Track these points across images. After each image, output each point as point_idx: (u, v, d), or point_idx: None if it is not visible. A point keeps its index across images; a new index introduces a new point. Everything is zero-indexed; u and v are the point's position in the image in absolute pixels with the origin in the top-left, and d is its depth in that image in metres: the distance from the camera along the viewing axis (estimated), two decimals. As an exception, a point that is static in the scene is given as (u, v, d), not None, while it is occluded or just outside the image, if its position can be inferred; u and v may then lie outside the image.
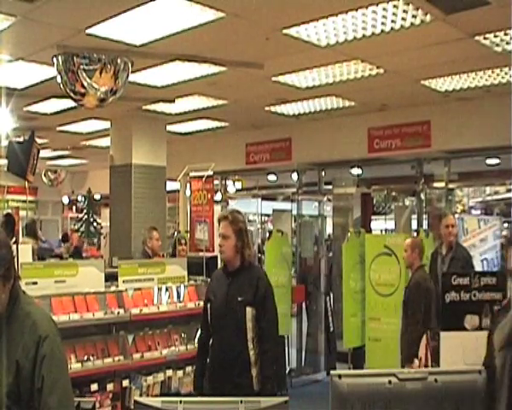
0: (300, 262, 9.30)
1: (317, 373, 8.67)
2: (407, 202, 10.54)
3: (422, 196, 8.42)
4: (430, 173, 8.47)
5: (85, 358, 4.64)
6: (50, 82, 6.57)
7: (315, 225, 9.69)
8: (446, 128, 7.72)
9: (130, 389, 4.90)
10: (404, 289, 5.88)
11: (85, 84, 5.52)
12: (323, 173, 9.52)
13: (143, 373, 5.00)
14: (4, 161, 9.27)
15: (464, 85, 6.92)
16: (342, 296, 7.62)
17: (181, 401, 1.88)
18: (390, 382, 2.02)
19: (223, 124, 9.51)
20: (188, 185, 8.90)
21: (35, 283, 4.54)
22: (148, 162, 9.02)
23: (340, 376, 2.05)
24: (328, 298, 8.81)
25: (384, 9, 4.64)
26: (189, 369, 5.22)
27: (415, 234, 7.81)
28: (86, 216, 15.47)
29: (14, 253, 2.24)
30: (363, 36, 5.22)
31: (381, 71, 6.36)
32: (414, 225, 8.44)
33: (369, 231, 10.48)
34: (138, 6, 4.63)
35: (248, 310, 3.67)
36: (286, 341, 8.05)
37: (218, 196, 10.29)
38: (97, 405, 4.51)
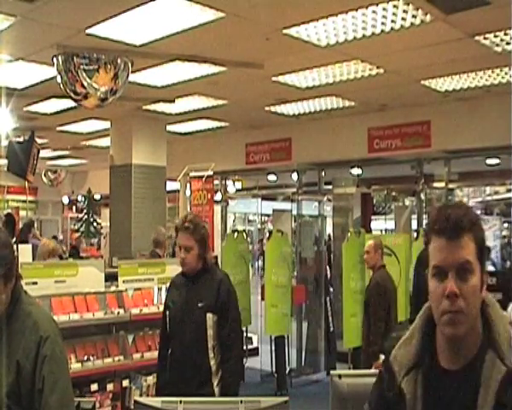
0: (300, 262, 9.29)
1: (317, 373, 8.67)
2: (407, 202, 10.54)
3: (422, 196, 8.41)
4: (430, 173, 8.46)
5: (85, 358, 4.64)
6: (50, 82, 6.56)
7: (315, 225, 9.69)
8: (446, 128, 7.71)
9: (131, 389, 4.90)
10: (365, 290, 6.03)
11: (85, 84, 5.52)
12: (323, 173, 9.52)
13: (143, 373, 4.99)
14: (4, 161, 9.28)
15: (464, 85, 6.91)
16: (342, 296, 7.62)
17: (181, 401, 1.88)
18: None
19: (223, 124, 9.50)
20: (188, 185, 8.90)
21: (35, 283, 4.52)
22: (148, 162, 9.01)
23: (340, 376, 2.06)
24: (328, 298, 8.82)
25: (384, 9, 4.64)
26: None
27: (415, 234, 7.83)
28: (86, 216, 15.44)
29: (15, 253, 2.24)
30: (363, 36, 5.22)
31: (381, 71, 6.36)
32: (414, 225, 8.44)
33: (369, 231, 10.46)
34: (138, 6, 4.63)
35: (209, 316, 3.44)
36: (286, 341, 8.06)
37: (218, 196, 10.28)
38: (97, 405, 4.50)
